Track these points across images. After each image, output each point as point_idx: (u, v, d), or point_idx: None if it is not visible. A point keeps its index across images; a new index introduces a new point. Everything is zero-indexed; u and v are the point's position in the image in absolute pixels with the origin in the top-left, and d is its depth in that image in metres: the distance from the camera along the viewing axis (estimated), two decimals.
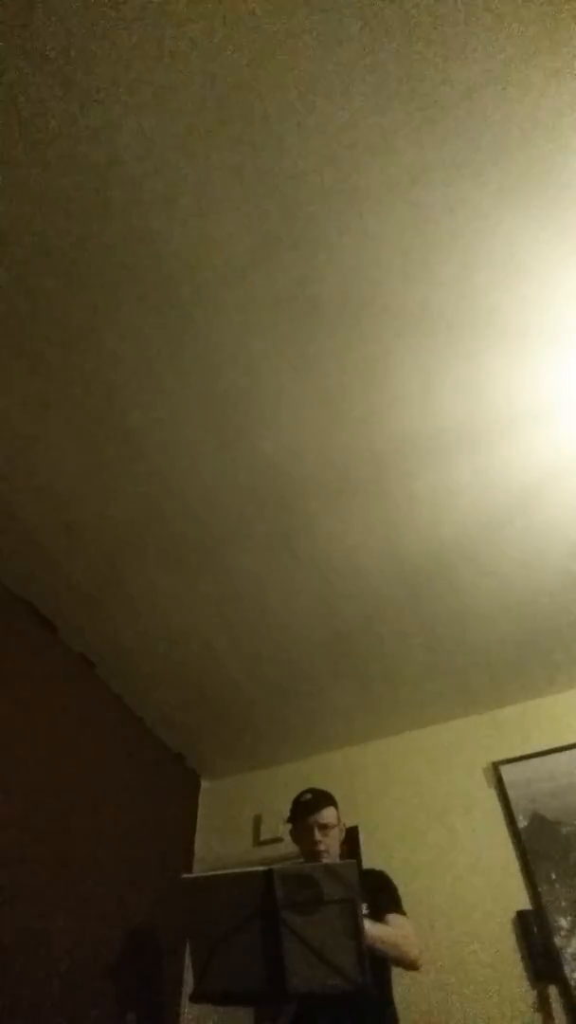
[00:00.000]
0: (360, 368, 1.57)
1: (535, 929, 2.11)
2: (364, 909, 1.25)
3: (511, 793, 2.47)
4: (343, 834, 1.73)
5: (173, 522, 1.92)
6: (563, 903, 2.15)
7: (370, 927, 1.35)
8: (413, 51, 1.11)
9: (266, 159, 1.23)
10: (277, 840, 2.64)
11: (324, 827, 1.65)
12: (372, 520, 1.95)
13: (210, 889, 1.26)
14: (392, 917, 1.51)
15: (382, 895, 1.58)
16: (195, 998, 1.24)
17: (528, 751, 2.56)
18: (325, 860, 1.59)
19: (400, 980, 1.53)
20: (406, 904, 1.61)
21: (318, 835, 1.64)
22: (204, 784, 3.14)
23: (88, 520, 1.89)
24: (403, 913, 1.55)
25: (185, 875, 1.37)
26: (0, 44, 1.06)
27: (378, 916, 1.48)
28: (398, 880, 1.67)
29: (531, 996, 2.00)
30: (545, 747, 2.54)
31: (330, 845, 1.65)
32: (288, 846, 1.82)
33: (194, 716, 2.72)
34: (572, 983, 1.97)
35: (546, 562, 2.14)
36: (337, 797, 1.78)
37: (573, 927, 2.09)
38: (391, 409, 1.67)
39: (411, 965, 1.45)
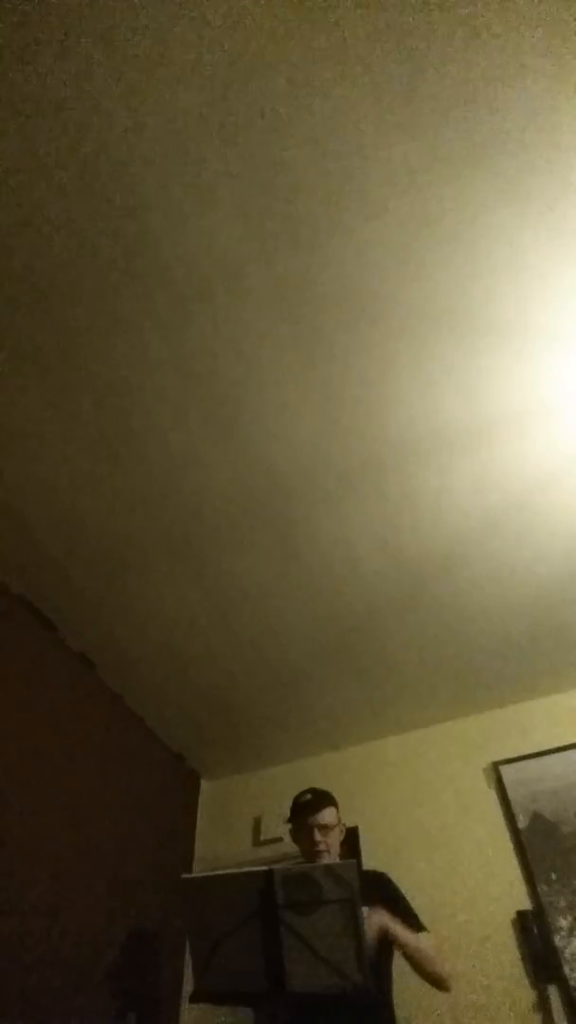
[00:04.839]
0: (360, 368, 1.57)
1: (535, 929, 2.11)
2: (363, 910, 1.24)
3: (511, 793, 2.47)
4: (343, 834, 1.73)
5: (173, 522, 1.92)
6: (563, 903, 2.15)
7: (411, 937, 1.41)
8: (413, 51, 1.11)
9: (265, 160, 1.23)
10: (277, 840, 2.64)
11: (324, 827, 1.65)
12: (371, 520, 1.95)
13: (210, 889, 1.26)
14: (421, 935, 1.50)
15: (401, 906, 1.56)
16: (195, 998, 1.24)
17: (528, 751, 2.56)
18: (325, 860, 1.59)
19: (400, 980, 1.53)
20: None
21: (318, 836, 1.63)
22: (204, 784, 3.14)
23: (88, 520, 1.89)
24: (426, 931, 1.54)
25: (185, 875, 1.37)
26: None
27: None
28: (398, 880, 1.67)
29: (531, 996, 2.00)
30: (545, 747, 2.54)
31: (330, 845, 1.64)
32: (288, 846, 1.82)
33: (194, 716, 2.72)
34: (572, 983, 1.97)
35: (546, 562, 2.14)
36: (337, 797, 1.77)
37: (573, 927, 2.09)
38: (391, 409, 1.67)
39: (442, 983, 1.45)
